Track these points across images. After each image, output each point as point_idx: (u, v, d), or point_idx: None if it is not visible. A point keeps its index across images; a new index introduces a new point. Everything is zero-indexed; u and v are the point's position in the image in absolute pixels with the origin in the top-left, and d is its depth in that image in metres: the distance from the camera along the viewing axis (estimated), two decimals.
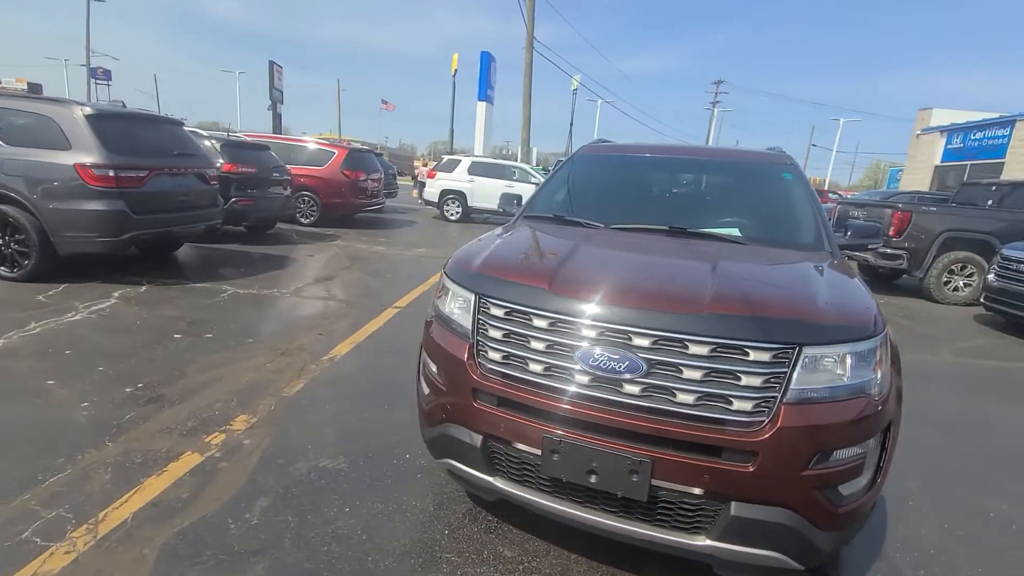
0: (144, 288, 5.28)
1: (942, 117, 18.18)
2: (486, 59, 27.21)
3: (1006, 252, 6.29)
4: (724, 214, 2.84)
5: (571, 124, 34.46)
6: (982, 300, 6.67)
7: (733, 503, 1.53)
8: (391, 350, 4.14)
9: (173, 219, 5.64)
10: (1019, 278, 5.97)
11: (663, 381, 1.59)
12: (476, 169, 14.11)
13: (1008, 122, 14.85)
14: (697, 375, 1.57)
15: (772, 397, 1.53)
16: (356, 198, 11.12)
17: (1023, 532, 2.44)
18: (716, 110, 46.33)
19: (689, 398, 1.56)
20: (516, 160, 18.32)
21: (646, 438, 1.58)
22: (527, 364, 1.76)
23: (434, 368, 2.03)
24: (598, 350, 1.64)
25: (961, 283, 7.79)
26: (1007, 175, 14.38)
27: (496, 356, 1.82)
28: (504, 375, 1.79)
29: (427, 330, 2.16)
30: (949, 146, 17.05)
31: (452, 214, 14.13)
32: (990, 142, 15.32)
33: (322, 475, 2.43)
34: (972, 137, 16.09)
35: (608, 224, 2.72)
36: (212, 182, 6.31)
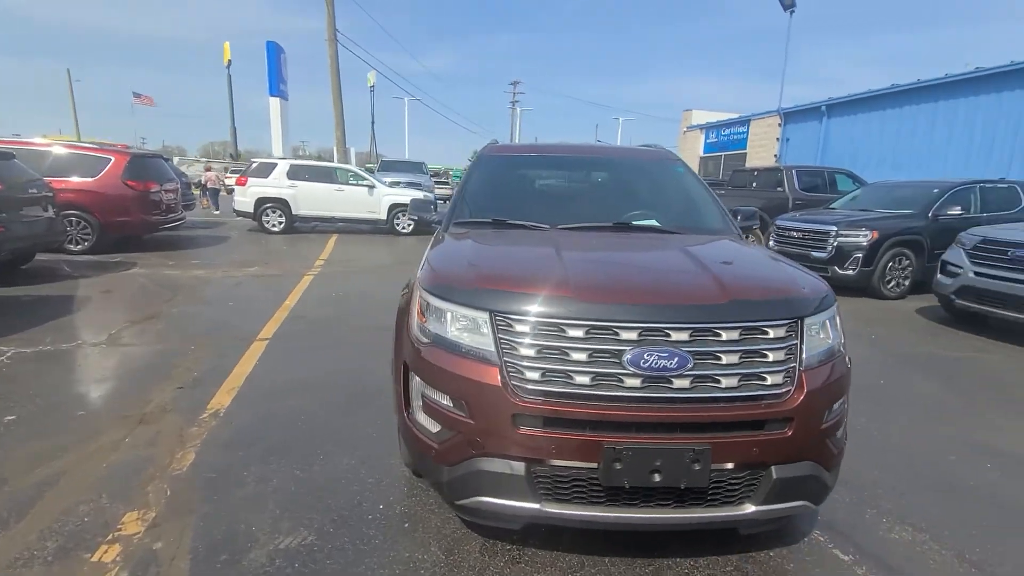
0: None
1: (700, 117, 22.76)
2: (274, 50, 24.65)
3: (779, 222, 8.19)
4: (645, 207, 3.13)
5: (372, 123, 33.34)
6: None
7: (773, 467, 1.74)
8: (289, 389, 3.56)
9: None
10: (792, 242, 7.84)
11: (707, 371, 1.70)
12: (297, 173, 12.81)
13: (745, 121, 19.33)
14: (734, 359, 1.72)
15: (792, 367, 1.77)
16: (149, 215, 9.16)
17: (897, 441, 3.25)
18: (518, 109, 50.01)
19: (732, 381, 1.71)
20: (333, 161, 17.07)
21: (703, 426, 1.68)
22: (572, 377, 1.71)
23: (447, 401, 1.83)
24: (646, 351, 1.68)
25: None
26: (750, 163, 18.68)
27: (534, 375, 1.73)
28: (547, 393, 1.71)
29: (418, 359, 1.93)
30: (708, 140, 21.49)
31: (273, 225, 12.61)
32: (735, 137, 19.73)
33: (292, 558, 2.00)
34: (723, 133, 20.50)
35: (554, 225, 2.77)
36: None
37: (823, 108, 15.56)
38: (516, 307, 1.79)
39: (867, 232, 7.03)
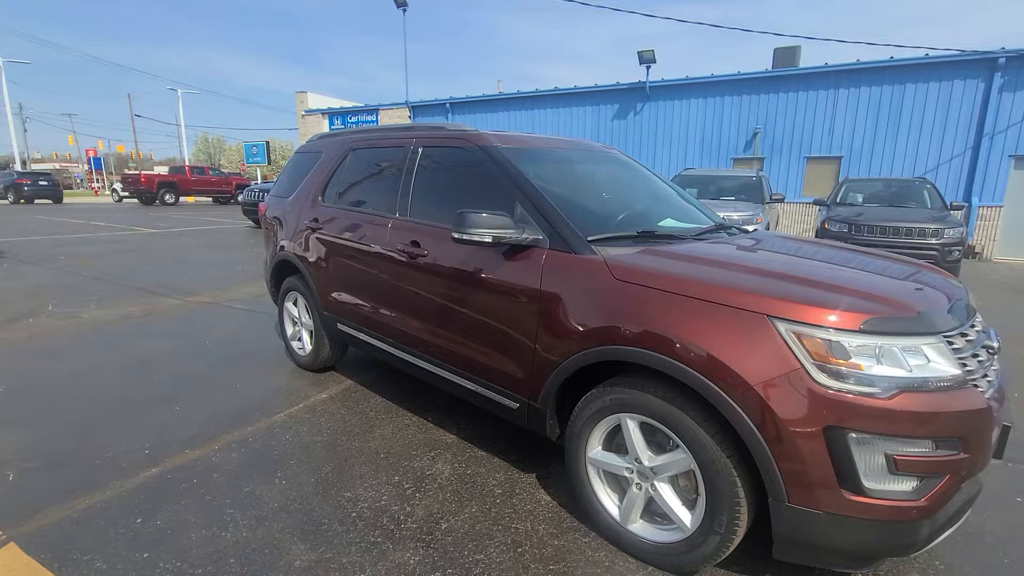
0: None
1: (318, 100, 21.75)
2: None
3: None
4: (677, 204, 3.18)
5: None
6: None
7: None
8: None
9: None
10: None
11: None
12: None
13: (373, 110, 19.85)
14: None
15: None
16: None
17: None
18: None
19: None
20: None
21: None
22: (984, 378, 1.81)
23: (928, 448, 1.61)
24: (976, 344, 1.88)
25: None
26: None
27: (983, 385, 1.74)
28: (990, 399, 1.76)
29: (875, 416, 1.58)
30: (332, 127, 20.85)
31: None
32: (366, 125, 20.02)
33: None
34: (351, 120, 20.38)
35: (685, 235, 2.56)
36: None
37: (447, 105, 17.88)
38: (948, 324, 1.75)
39: None
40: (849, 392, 1.60)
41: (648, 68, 14.04)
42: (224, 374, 3.97)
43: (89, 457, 2.77)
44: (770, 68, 14.15)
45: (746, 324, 1.73)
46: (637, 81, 14.51)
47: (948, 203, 8.45)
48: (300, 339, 4.10)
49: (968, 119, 11.60)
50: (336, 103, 21.96)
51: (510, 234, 2.30)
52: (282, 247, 4.02)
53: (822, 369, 1.62)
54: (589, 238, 2.26)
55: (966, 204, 9.11)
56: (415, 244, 2.84)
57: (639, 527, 2.09)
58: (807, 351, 1.64)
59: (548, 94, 16.23)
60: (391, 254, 2.99)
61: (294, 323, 4.15)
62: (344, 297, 3.45)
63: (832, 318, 1.66)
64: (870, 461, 1.61)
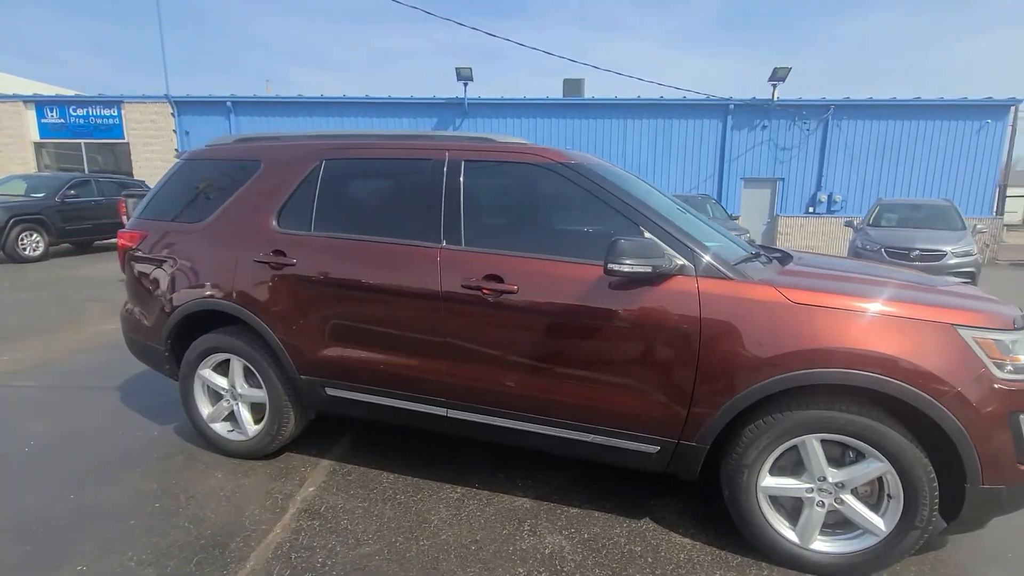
0: None
1: (13, 84, 15.92)
2: None
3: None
4: None
5: None
6: None
7: None
8: None
9: None
10: None
11: None
12: None
13: (115, 103, 15.44)
14: None
15: None
16: None
17: None
18: None
19: None
20: None
21: None
22: None
23: None
24: None
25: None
26: (136, 156, 15.53)
27: None
28: None
29: None
30: (45, 120, 15.47)
31: None
32: (102, 121, 15.45)
33: None
34: (75, 114, 15.44)
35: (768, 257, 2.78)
36: None
37: (229, 104, 15.09)
38: None
39: None
40: (1018, 380, 1.98)
41: (466, 85, 14.47)
42: (112, 494, 2.68)
43: None
44: (561, 96, 16.05)
45: (936, 335, 1.97)
46: (455, 97, 14.81)
47: (729, 215, 10.88)
48: (234, 417, 3.04)
49: (714, 149, 15.20)
50: (46, 90, 16.60)
51: (662, 263, 2.15)
52: (203, 293, 2.93)
53: (999, 365, 1.96)
54: (728, 262, 2.27)
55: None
56: (494, 278, 2.41)
57: (820, 544, 2.18)
58: (986, 352, 1.97)
59: (358, 101, 15.28)
60: (449, 292, 2.48)
61: (218, 397, 3.06)
62: (347, 353, 2.69)
63: (1000, 321, 2.02)
64: None
